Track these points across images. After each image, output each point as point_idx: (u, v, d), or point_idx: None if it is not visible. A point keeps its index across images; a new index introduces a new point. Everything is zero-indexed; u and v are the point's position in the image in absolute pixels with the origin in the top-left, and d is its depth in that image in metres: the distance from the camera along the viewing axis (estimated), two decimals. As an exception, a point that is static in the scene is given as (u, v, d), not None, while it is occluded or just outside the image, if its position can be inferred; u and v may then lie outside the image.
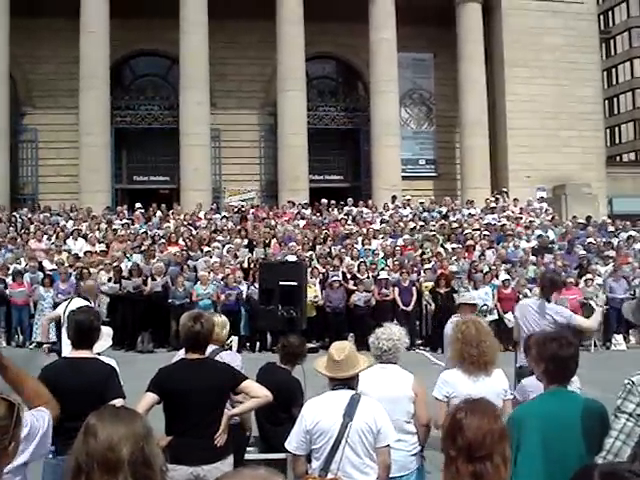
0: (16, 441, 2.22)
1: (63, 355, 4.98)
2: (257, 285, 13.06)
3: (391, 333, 4.92)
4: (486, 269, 17.01)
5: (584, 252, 18.70)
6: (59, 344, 8.80)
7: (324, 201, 23.20)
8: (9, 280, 16.31)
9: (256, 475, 1.77)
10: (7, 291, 16.10)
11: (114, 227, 19.71)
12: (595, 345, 15.94)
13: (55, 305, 15.84)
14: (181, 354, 5.05)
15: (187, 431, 4.42)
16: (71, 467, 2.02)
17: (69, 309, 8.47)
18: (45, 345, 9.80)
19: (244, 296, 15.87)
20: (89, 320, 4.72)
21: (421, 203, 23.71)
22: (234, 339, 16.07)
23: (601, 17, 50.71)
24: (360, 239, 19.39)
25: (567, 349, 3.81)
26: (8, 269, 16.57)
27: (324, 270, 17.03)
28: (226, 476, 1.83)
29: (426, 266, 17.45)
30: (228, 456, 4.54)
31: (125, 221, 20.49)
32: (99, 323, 4.82)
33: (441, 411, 4.67)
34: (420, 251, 18.67)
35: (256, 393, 4.56)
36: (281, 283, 7.57)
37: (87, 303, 8.03)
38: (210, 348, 5.33)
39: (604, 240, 20.24)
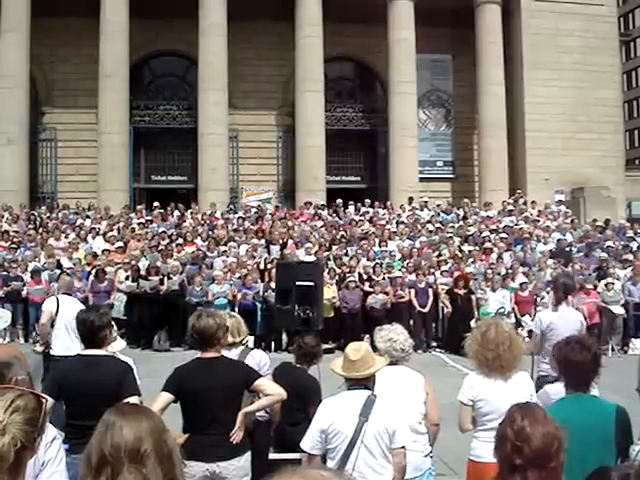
0: (41, 436, 2.20)
1: (77, 353, 4.97)
2: (273, 285, 13.11)
3: (404, 333, 4.93)
4: (503, 272, 16.92)
5: (605, 255, 18.48)
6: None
7: (339, 201, 23.11)
8: (27, 277, 16.41)
9: (321, 476, 1.73)
10: (25, 289, 16.20)
11: (132, 226, 19.79)
12: (612, 349, 15.80)
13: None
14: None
15: (203, 428, 4.45)
16: (96, 460, 2.01)
17: (61, 306, 8.52)
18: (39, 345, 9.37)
19: (260, 296, 15.89)
20: (90, 319, 4.73)
21: (438, 205, 23.60)
22: (249, 339, 16.18)
23: (621, 20, 50.29)
24: (377, 240, 19.34)
25: (578, 354, 3.76)
26: (27, 267, 16.65)
27: (340, 271, 17.02)
28: (287, 472, 1.79)
29: (443, 268, 17.40)
30: (244, 453, 4.56)
31: (143, 220, 20.57)
32: (103, 322, 4.78)
33: (465, 415, 4.64)
34: (437, 253, 18.59)
35: (270, 391, 4.58)
36: (298, 283, 7.56)
37: (75, 300, 8.05)
38: (239, 349, 5.46)
39: (622, 243, 20.07)
